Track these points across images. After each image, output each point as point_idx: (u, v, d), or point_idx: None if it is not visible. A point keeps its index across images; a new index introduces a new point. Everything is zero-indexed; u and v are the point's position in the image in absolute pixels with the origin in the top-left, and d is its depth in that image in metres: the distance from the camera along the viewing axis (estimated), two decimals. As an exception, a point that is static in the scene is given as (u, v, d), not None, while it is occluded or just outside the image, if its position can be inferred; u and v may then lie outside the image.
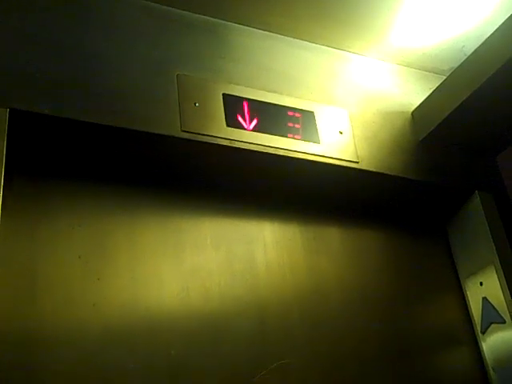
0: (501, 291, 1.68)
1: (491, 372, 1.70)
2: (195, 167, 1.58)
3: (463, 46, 1.93)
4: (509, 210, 1.84)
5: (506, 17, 1.65)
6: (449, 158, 1.86)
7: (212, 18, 1.75)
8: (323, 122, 1.70)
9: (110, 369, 1.30)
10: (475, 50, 1.74)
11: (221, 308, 1.49)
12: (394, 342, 1.66)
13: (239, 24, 1.78)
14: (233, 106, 1.59)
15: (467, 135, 1.85)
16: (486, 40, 1.70)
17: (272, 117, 1.63)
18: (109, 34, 1.54)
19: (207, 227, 1.57)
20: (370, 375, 1.58)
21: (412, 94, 1.95)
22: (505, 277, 1.68)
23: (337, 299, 1.64)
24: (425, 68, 2.04)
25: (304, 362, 1.51)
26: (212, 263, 1.53)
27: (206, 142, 1.50)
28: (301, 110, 1.69)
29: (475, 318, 1.77)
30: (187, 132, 1.49)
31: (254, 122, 1.60)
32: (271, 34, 1.82)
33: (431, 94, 1.88)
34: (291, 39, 1.85)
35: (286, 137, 1.61)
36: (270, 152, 1.58)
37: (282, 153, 1.59)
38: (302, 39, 1.86)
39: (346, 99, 1.81)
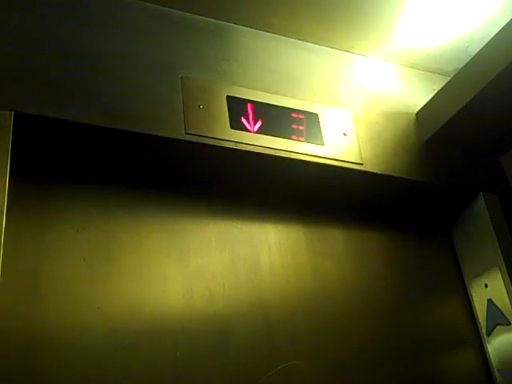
0: (506, 293, 1.67)
1: (496, 374, 1.69)
2: (199, 169, 1.58)
3: (467, 47, 1.93)
4: (513, 212, 1.84)
5: (511, 17, 1.64)
6: (453, 159, 1.86)
7: (216, 20, 1.75)
8: (327, 124, 1.70)
9: (115, 371, 1.31)
10: (479, 51, 1.74)
11: (225, 310, 1.49)
12: (399, 343, 1.66)
13: (243, 26, 1.78)
14: (237, 108, 1.59)
15: (472, 136, 1.85)
16: (491, 41, 1.69)
17: (276, 119, 1.63)
18: (112, 37, 1.55)
19: (211, 229, 1.57)
20: (375, 377, 1.57)
21: (416, 95, 1.95)
22: (510, 278, 1.67)
23: (341, 301, 1.64)
24: (429, 69, 2.04)
25: (309, 363, 1.51)
26: (216, 265, 1.53)
27: (210, 145, 1.51)
28: (305, 111, 1.68)
29: (480, 320, 1.76)
30: (191, 134, 1.49)
31: (258, 124, 1.60)
32: (275, 35, 1.82)
33: (435, 95, 1.88)
34: (295, 41, 1.85)
35: (290, 139, 1.61)
36: (274, 154, 1.58)
37: (285, 155, 1.59)
38: (305, 41, 1.86)
39: (350, 101, 1.81)
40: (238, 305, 1.51)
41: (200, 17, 1.73)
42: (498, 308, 1.69)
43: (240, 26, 1.78)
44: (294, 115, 1.66)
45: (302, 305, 1.58)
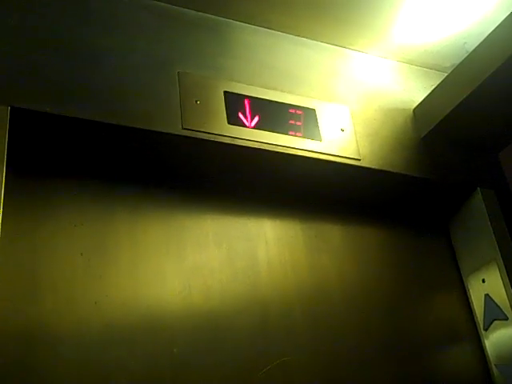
0: (503, 288, 1.67)
1: (494, 369, 1.69)
2: (196, 165, 1.58)
3: (465, 43, 1.93)
4: (511, 207, 1.84)
5: (508, 13, 1.64)
6: (451, 154, 1.86)
7: (213, 16, 1.75)
8: (325, 120, 1.70)
9: (112, 367, 1.30)
10: (477, 47, 1.74)
11: (223, 306, 1.49)
12: (396, 339, 1.66)
13: (240, 21, 1.78)
14: (234, 104, 1.59)
15: (469, 132, 1.85)
16: (488, 37, 1.69)
17: (273, 114, 1.63)
18: (110, 32, 1.54)
19: (209, 225, 1.57)
20: (372, 372, 1.58)
21: (414, 91, 1.95)
22: (507, 273, 1.67)
23: (338, 296, 1.64)
24: (426, 65, 2.04)
25: (306, 359, 1.51)
26: (214, 261, 1.53)
27: (207, 140, 1.50)
28: (302, 107, 1.68)
29: (478, 315, 1.76)
30: (188, 130, 1.49)
31: (256, 120, 1.59)
32: (273, 31, 1.82)
33: (433, 90, 1.88)
34: (293, 37, 1.84)
35: (288, 134, 1.61)
36: (272, 149, 1.57)
37: (283, 150, 1.59)
38: (303, 37, 1.86)
39: (348, 96, 1.81)
40: (236, 300, 1.51)
41: (197, 12, 1.73)
42: (496, 303, 1.69)
43: (238, 22, 1.78)
44: (291, 111, 1.66)
45: (299, 300, 1.58)
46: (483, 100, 1.73)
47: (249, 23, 1.79)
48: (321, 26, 1.84)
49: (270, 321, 1.52)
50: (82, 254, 1.38)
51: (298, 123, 1.65)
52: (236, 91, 1.62)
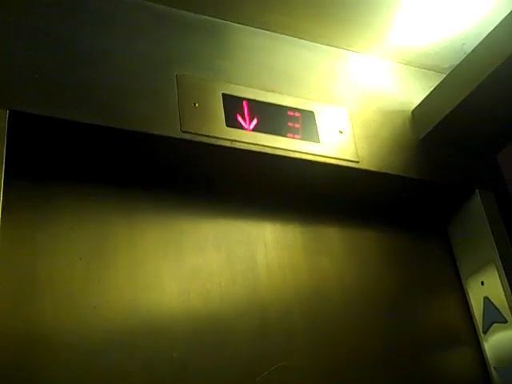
0: (502, 291, 1.67)
1: (493, 372, 1.69)
2: (195, 168, 1.57)
3: (463, 44, 1.93)
4: (510, 209, 1.84)
5: (506, 14, 1.64)
6: (449, 156, 1.86)
7: (211, 18, 1.74)
8: (323, 122, 1.70)
9: (111, 371, 1.30)
10: (475, 48, 1.74)
11: (222, 309, 1.48)
12: (396, 341, 1.66)
13: (238, 23, 1.77)
14: (232, 106, 1.59)
15: (468, 133, 1.85)
16: (486, 38, 1.69)
17: (272, 116, 1.63)
18: (108, 35, 1.54)
19: (208, 228, 1.56)
20: (372, 375, 1.57)
21: (412, 92, 1.95)
22: (506, 276, 1.67)
23: (338, 299, 1.64)
24: (425, 66, 2.03)
25: (305, 362, 1.51)
26: (213, 264, 1.52)
27: (205, 143, 1.50)
28: (301, 109, 1.68)
29: (477, 318, 1.76)
30: (187, 132, 1.48)
31: (254, 122, 1.59)
32: (271, 33, 1.82)
33: (431, 92, 1.87)
34: (291, 38, 1.84)
35: (286, 136, 1.61)
36: (270, 152, 1.57)
37: (281, 153, 1.58)
38: (301, 38, 1.85)
39: (346, 98, 1.81)
40: (235, 304, 1.51)
41: (196, 15, 1.72)
42: (495, 305, 1.69)
43: (236, 24, 1.77)
44: (289, 113, 1.66)
45: (298, 303, 1.58)
46: (482, 101, 1.73)
47: (247, 25, 1.79)
48: (319, 27, 1.83)
49: (269, 324, 1.52)
50: (80, 259, 1.38)
51: (297, 125, 1.65)
52: (234, 93, 1.61)
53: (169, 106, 1.50)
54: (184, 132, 1.48)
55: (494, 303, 1.70)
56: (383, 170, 1.71)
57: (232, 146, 1.53)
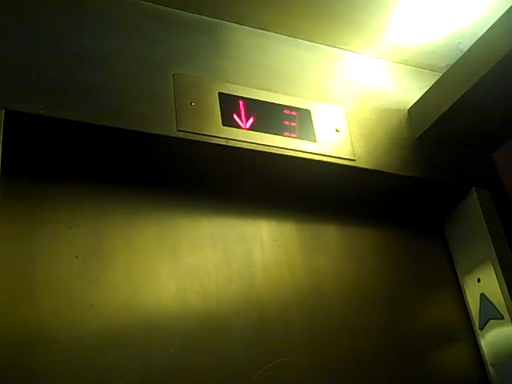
0: (498, 287, 1.68)
1: (490, 368, 1.70)
2: (191, 166, 1.58)
3: (459, 43, 1.93)
4: (506, 207, 1.84)
5: (502, 13, 1.65)
6: (446, 154, 1.86)
7: (208, 18, 1.74)
8: (319, 120, 1.70)
9: (108, 369, 1.30)
10: (471, 47, 1.74)
11: (219, 307, 1.48)
12: (392, 339, 1.66)
13: (235, 23, 1.78)
14: (229, 105, 1.59)
15: (464, 132, 1.85)
16: (482, 37, 1.70)
17: (268, 115, 1.63)
18: (104, 34, 1.54)
19: (204, 226, 1.57)
20: (368, 372, 1.58)
21: (408, 91, 1.95)
22: (502, 273, 1.67)
23: (334, 297, 1.64)
24: (421, 65, 2.04)
25: (302, 359, 1.51)
26: (209, 262, 1.53)
27: (202, 142, 1.50)
28: (297, 108, 1.68)
29: (473, 315, 1.77)
30: (183, 131, 1.48)
31: (251, 121, 1.59)
32: (267, 32, 1.82)
33: (427, 91, 1.88)
34: (287, 37, 1.84)
35: (283, 135, 1.61)
36: (267, 151, 1.57)
37: (278, 151, 1.59)
38: (297, 37, 1.86)
39: (343, 97, 1.81)
40: (232, 302, 1.51)
41: (192, 14, 1.73)
42: (491, 302, 1.70)
43: (232, 23, 1.78)
44: (286, 112, 1.66)
45: (295, 301, 1.58)
46: (478, 100, 1.73)
47: (243, 24, 1.79)
48: (315, 26, 1.84)
49: (266, 322, 1.52)
50: (77, 257, 1.38)
51: (293, 124, 1.65)
52: (231, 92, 1.61)
53: (165, 105, 1.50)
54: (180, 131, 1.48)
55: (491, 300, 1.70)
56: (379, 169, 1.72)
57: (228, 144, 1.53)
